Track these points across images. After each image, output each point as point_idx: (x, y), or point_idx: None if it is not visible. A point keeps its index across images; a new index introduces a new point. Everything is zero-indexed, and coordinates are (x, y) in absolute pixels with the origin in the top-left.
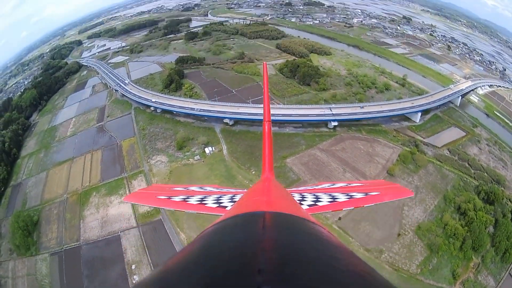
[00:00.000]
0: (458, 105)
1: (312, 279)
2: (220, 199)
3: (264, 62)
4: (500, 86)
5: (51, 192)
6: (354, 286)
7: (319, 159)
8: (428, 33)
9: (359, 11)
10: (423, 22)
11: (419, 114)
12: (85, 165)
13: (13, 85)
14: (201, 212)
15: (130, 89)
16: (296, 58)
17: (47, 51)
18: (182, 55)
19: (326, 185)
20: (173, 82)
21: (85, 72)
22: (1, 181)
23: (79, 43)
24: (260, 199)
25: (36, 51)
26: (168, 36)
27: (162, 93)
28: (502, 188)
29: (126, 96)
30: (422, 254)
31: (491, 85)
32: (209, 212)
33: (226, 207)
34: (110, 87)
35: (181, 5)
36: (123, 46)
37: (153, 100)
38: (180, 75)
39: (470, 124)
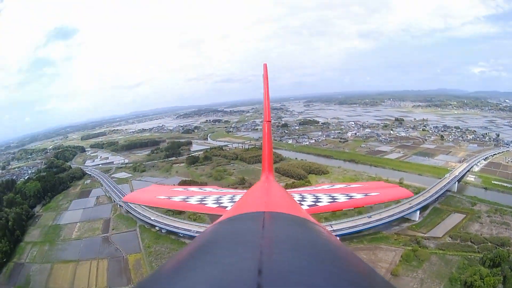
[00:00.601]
0: (455, 190)
1: (312, 279)
2: (220, 199)
3: (264, 63)
4: (495, 154)
5: (56, 283)
6: (354, 286)
7: None
8: (421, 129)
9: (353, 123)
10: (415, 119)
11: (418, 212)
12: (91, 270)
13: (16, 169)
14: (201, 212)
15: (135, 207)
16: (295, 181)
17: (50, 147)
18: (184, 178)
19: (326, 186)
20: None
21: (89, 181)
22: (3, 253)
23: (82, 149)
24: (260, 199)
25: (39, 143)
26: (169, 159)
27: (166, 215)
28: (508, 248)
29: (131, 213)
30: None
31: (486, 157)
32: (209, 212)
33: (226, 207)
34: (114, 201)
35: (181, 126)
36: (126, 163)
37: (152, 218)
38: None
39: (469, 205)
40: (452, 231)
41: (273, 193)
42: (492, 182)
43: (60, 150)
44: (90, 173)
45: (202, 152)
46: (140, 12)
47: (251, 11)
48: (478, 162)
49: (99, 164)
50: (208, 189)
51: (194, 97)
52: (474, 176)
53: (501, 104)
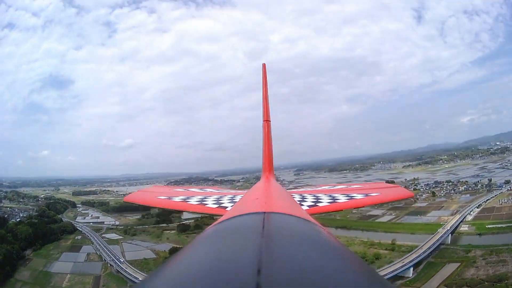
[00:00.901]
0: (449, 242)
1: (312, 280)
2: (221, 200)
3: (263, 63)
4: (488, 200)
5: None
6: (354, 286)
7: None
8: (412, 189)
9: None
10: (405, 179)
11: (411, 269)
12: None
13: (8, 208)
14: (201, 213)
15: (125, 267)
16: None
17: (42, 196)
18: (175, 245)
19: (326, 187)
20: None
21: (79, 236)
22: None
23: (74, 205)
24: (260, 199)
25: (30, 189)
26: (160, 225)
27: None
28: (506, 281)
29: (121, 273)
30: None
31: (479, 205)
32: (210, 213)
33: (227, 207)
34: (105, 260)
35: None
36: (117, 225)
37: (140, 278)
38: None
39: (463, 253)
40: (447, 280)
41: (274, 193)
42: (486, 226)
43: (52, 201)
44: (81, 229)
45: (193, 221)
46: (132, 76)
47: (240, 78)
48: (471, 211)
49: (90, 222)
50: (208, 189)
51: (185, 164)
52: (467, 225)
53: (492, 148)
